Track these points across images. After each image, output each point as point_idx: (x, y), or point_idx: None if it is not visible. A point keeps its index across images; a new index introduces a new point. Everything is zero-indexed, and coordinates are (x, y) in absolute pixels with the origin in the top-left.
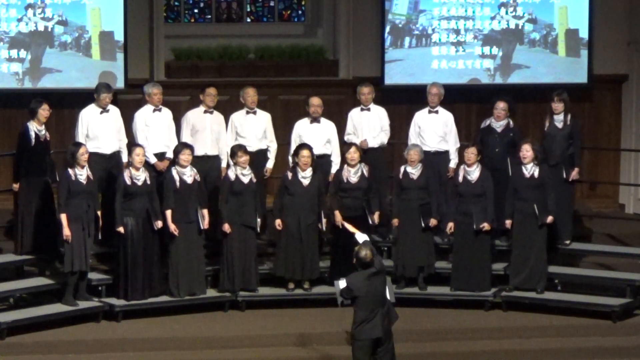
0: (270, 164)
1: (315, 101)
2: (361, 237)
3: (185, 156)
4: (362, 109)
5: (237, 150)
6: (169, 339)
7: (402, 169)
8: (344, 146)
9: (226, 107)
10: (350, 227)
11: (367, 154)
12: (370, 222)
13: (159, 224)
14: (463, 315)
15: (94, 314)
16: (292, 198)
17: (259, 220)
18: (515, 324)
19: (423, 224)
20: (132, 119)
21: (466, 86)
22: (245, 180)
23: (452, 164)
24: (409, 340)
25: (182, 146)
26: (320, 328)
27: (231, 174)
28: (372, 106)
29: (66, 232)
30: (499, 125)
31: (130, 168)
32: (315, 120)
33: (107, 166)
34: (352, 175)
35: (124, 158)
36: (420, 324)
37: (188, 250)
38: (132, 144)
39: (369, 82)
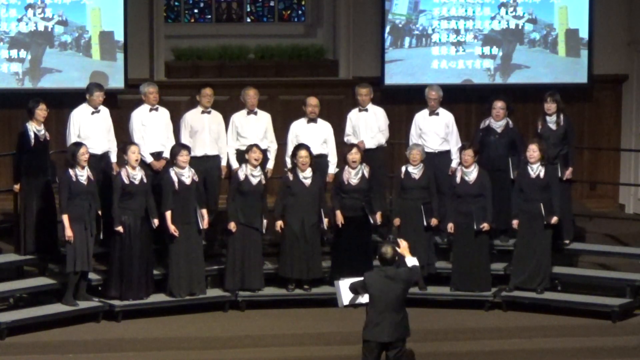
0: (270, 165)
1: (313, 101)
2: (410, 260)
3: (183, 157)
4: (359, 110)
5: (250, 150)
6: (169, 339)
7: (403, 168)
8: (345, 147)
9: (226, 107)
10: (404, 250)
11: (364, 154)
12: (372, 222)
13: (155, 222)
14: (463, 315)
15: (94, 314)
16: (295, 198)
17: (265, 221)
18: (515, 324)
19: (425, 223)
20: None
21: (466, 86)
22: (254, 181)
23: (455, 163)
24: (410, 341)
25: (179, 147)
26: (320, 328)
27: (241, 174)
28: (370, 107)
29: (68, 232)
30: (498, 125)
31: (127, 167)
32: (312, 120)
33: (99, 166)
34: (353, 177)
35: (113, 158)
36: (420, 324)
37: (188, 250)
38: (125, 142)
39: (367, 82)
